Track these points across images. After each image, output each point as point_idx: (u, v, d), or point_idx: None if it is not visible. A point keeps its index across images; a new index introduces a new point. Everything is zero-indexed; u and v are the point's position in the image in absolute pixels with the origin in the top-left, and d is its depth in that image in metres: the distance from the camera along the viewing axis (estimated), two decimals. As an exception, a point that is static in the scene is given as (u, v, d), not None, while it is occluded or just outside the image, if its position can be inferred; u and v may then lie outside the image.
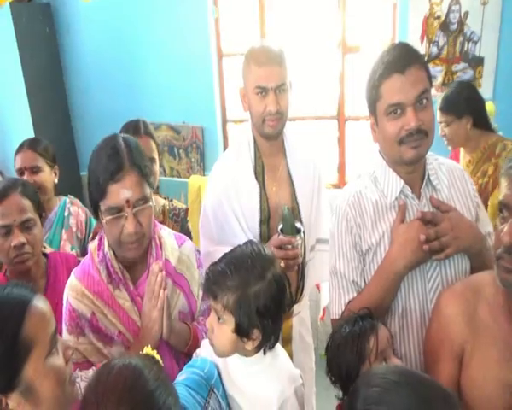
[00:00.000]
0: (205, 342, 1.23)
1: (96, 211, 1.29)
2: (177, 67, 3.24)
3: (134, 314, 1.31)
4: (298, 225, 1.53)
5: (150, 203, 1.27)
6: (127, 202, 1.22)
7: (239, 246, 1.18)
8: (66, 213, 2.22)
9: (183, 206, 2.10)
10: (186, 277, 1.42)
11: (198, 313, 1.44)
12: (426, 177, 1.32)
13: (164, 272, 1.25)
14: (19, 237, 1.54)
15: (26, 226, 1.57)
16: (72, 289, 1.33)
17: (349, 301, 1.32)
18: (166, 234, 1.44)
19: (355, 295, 1.33)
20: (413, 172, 1.29)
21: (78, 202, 2.31)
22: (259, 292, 1.08)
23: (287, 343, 1.73)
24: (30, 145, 2.15)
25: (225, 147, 3.29)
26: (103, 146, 1.29)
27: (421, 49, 2.65)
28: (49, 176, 2.14)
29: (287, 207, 1.53)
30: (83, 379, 1.21)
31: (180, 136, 3.27)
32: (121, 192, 1.22)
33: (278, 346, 1.20)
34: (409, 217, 1.28)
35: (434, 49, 2.61)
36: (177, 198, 3.02)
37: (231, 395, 1.15)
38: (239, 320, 1.08)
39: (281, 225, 1.53)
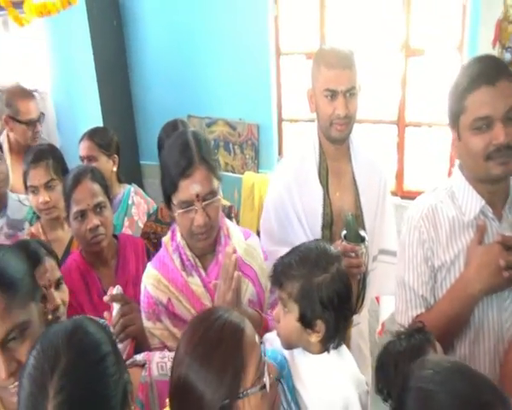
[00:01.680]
0: (268, 337, 1.24)
1: (168, 203, 1.34)
2: (236, 63, 3.20)
3: (207, 300, 1.35)
4: (362, 233, 1.46)
5: (218, 197, 1.31)
6: (197, 196, 1.26)
7: (305, 243, 1.22)
8: (129, 202, 2.28)
9: (227, 203, 2.09)
10: (254, 267, 1.45)
11: (267, 306, 1.45)
12: (510, 198, 1.22)
13: (237, 254, 1.27)
14: (93, 220, 1.60)
15: (98, 209, 1.63)
16: (149, 277, 1.38)
17: (416, 316, 1.25)
18: (232, 226, 1.49)
19: (423, 310, 1.26)
20: (496, 191, 1.21)
21: (141, 191, 2.37)
22: (323, 283, 1.10)
23: (344, 354, 1.66)
24: (88, 136, 2.22)
25: (280, 145, 3.22)
26: (174, 142, 1.34)
27: (493, 54, 2.47)
28: (105, 164, 2.19)
29: (351, 214, 1.47)
30: (169, 359, 1.18)
31: (236, 132, 3.24)
32: (191, 187, 1.25)
33: (344, 348, 1.19)
34: (487, 239, 1.20)
35: (508, 56, 2.44)
36: (230, 194, 3.01)
37: (298, 390, 1.15)
38: (303, 309, 1.10)
39: (344, 232, 1.46)
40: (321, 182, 1.63)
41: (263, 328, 1.34)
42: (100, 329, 0.85)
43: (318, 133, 1.65)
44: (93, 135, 2.23)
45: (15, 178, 2.26)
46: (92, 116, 3.47)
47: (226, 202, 2.08)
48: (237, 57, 3.18)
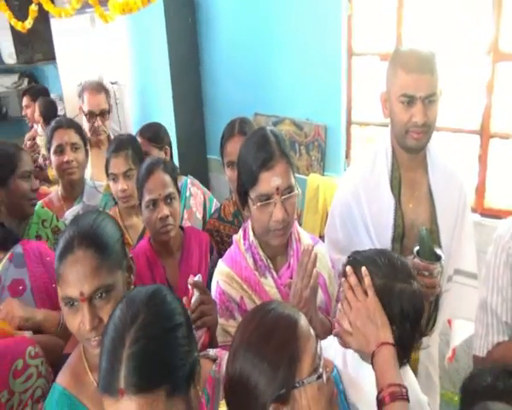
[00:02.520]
0: (323, 345, 1.15)
1: (243, 200, 1.33)
2: (306, 63, 3.12)
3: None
4: (438, 251, 1.34)
5: (296, 192, 1.31)
6: (277, 189, 1.25)
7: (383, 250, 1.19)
8: (187, 194, 2.28)
9: None
10: (323, 274, 1.42)
11: (332, 315, 1.40)
12: None
13: (316, 253, 1.24)
14: (164, 210, 1.64)
15: (168, 200, 1.68)
16: (222, 274, 1.38)
17: (497, 344, 1.15)
18: (302, 231, 1.48)
19: (506, 338, 1.15)
20: None
21: (197, 182, 2.38)
22: (405, 291, 1.06)
23: (411, 378, 1.55)
24: (139, 133, 2.31)
25: (348, 149, 3.10)
26: (253, 137, 1.34)
27: None
28: (157, 156, 2.22)
29: (425, 229, 1.35)
30: None
31: (302, 132, 3.16)
32: (272, 180, 1.25)
33: (408, 369, 1.13)
34: None
35: None
36: (299, 192, 2.93)
37: (353, 404, 1.10)
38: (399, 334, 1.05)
39: (417, 248, 1.35)
40: (392, 192, 1.52)
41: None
42: (178, 302, 0.90)
43: (392, 140, 1.54)
44: (143, 131, 2.32)
45: (91, 166, 2.38)
46: (165, 109, 3.57)
47: None
48: (307, 56, 3.10)
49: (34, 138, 3.52)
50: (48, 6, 3.41)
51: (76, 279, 1.02)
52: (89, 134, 2.61)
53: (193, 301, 1.28)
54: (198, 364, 0.88)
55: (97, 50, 4.01)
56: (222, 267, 1.41)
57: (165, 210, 1.66)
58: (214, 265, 1.69)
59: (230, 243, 1.93)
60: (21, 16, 3.72)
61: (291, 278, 1.31)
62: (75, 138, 2.14)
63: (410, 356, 1.13)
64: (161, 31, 3.47)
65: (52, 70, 4.97)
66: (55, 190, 2.27)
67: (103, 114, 2.64)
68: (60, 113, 4.52)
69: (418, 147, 1.47)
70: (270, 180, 1.25)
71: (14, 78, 5.32)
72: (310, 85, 3.12)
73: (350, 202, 1.57)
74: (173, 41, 3.49)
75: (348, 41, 3.01)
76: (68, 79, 4.41)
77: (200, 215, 2.26)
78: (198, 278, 1.35)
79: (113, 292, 1.05)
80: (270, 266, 1.36)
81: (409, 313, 1.06)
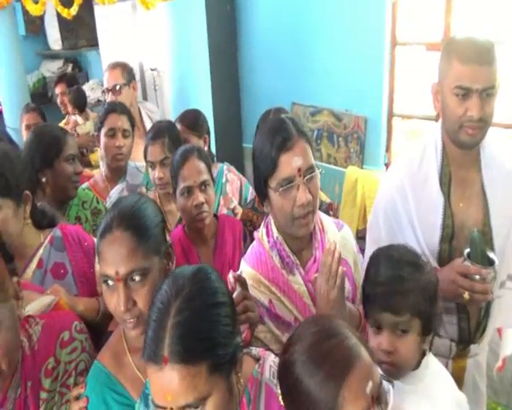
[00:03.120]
0: None
1: (262, 194, 1.23)
2: (346, 51, 3.00)
3: (308, 299, 1.25)
4: (491, 255, 1.24)
5: (317, 172, 1.22)
6: (299, 170, 1.17)
7: (381, 248, 1.17)
8: (223, 180, 2.26)
9: (327, 199, 1.96)
10: (349, 262, 1.34)
11: (358, 303, 1.32)
12: None
13: (340, 250, 1.15)
14: (199, 197, 1.61)
15: (203, 187, 1.64)
16: (247, 277, 1.24)
17: None
18: (325, 217, 1.38)
19: None
20: None
21: (233, 168, 2.35)
22: (428, 279, 1.08)
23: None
24: (179, 120, 2.26)
25: (389, 142, 2.97)
26: (267, 123, 1.27)
27: None
28: (196, 143, 2.19)
29: (477, 231, 1.25)
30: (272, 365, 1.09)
31: (341, 123, 3.05)
32: (293, 160, 1.17)
33: (439, 365, 1.10)
34: None
35: None
36: (331, 187, 2.85)
37: None
38: (424, 319, 1.05)
39: (468, 250, 1.25)
40: (442, 189, 1.41)
41: (362, 327, 1.23)
42: (222, 282, 0.90)
43: (442, 135, 1.43)
44: (182, 118, 2.28)
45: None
46: (203, 96, 3.55)
47: (325, 198, 1.95)
48: (348, 45, 2.98)
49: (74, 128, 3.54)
50: None
51: (113, 259, 1.02)
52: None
53: (235, 296, 1.21)
54: (241, 350, 0.87)
55: (138, 37, 4.02)
56: (246, 269, 1.29)
57: (200, 197, 1.62)
58: None
59: None
60: (67, 3, 3.78)
61: (317, 271, 1.22)
62: (127, 125, 2.15)
63: (432, 330, 1.11)
64: (201, 18, 3.44)
65: (94, 56, 5.01)
66: (100, 172, 2.30)
67: (114, 88, 2.64)
68: (100, 98, 4.58)
69: (472, 143, 1.35)
70: (290, 161, 1.17)
71: (59, 63, 5.41)
72: (350, 75, 3.01)
73: (395, 198, 1.46)
74: (212, 28, 3.45)
75: (392, 29, 2.87)
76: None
77: (236, 201, 2.23)
78: (236, 274, 1.27)
79: (148, 276, 1.04)
80: (297, 262, 1.27)
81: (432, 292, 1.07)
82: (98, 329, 1.38)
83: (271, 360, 1.06)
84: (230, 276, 1.18)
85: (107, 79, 2.67)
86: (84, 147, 3.14)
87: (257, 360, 1.05)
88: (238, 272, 1.25)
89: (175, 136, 2.05)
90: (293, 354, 0.84)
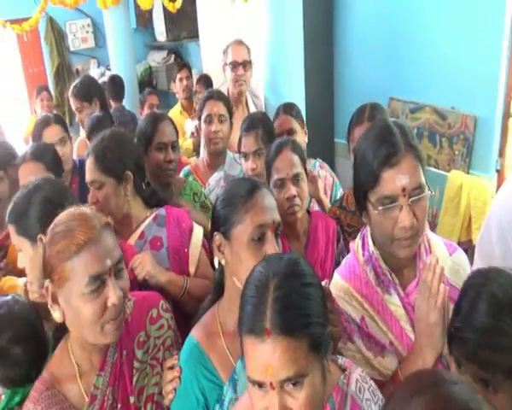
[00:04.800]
0: None
1: (361, 204, 1.09)
2: (455, 42, 2.59)
3: (407, 324, 1.09)
4: None
5: (427, 193, 1.04)
6: (403, 190, 1.00)
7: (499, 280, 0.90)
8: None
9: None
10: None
11: None
12: None
13: (442, 266, 1.02)
14: (291, 190, 1.55)
15: (296, 180, 1.58)
16: (339, 290, 1.15)
17: None
18: (434, 237, 1.19)
19: None
20: None
21: (326, 165, 2.23)
22: None
23: None
24: (284, 109, 2.16)
25: (503, 145, 2.52)
26: (373, 130, 1.11)
27: None
28: (302, 137, 2.12)
29: None
30: (369, 386, 0.99)
31: (445, 122, 2.65)
32: (397, 179, 1.00)
33: None
34: None
35: None
36: (431, 192, 2.49)
37: None
38: None
39: None
40: None
41: None
42: (312, 268, 0.90)
43: None
44: (288, 109, 2.17)
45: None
46: (295, 88, 3.34)
47: None
48: (458, 34, 2.56)
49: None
50: None
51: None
52: (232, 86, 2.59)
53: None
54: (330, 340, 0.86)
55: (235, 29, 3.92)
56: (339, 281, 1.17)
57: (293, 190, 1.55)
58: (340, 254, 1.58)
59: (350, 234, 1.71)
60: None
61: None
62: (223, 110, 2.12)
63: None
64: (298, 6, 3.20)
65: (195, 47, 5.02)
66: (202, 157, 2.30)
67: (245, 64, 2.57)
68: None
69: None
70: (394, 179, 1.00)
71: (163, 54, 5.51)
72: (458, 69, 2.59)
73: None
74: (308, 17, 3.21)
75: (514, 17, 2.39)
76: (208, 56, 4.41)
77: (327, 197, 2.10)
78: (324, 284, 1.12)
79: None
80: (396, 281, 1.11)
81: None
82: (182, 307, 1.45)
83: (358, 374, 0.98)
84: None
85: (236, 52, 2.59)
86: None
87: (343, 370, 0.98)
88: (323, 283, 1.09)
89: (269, 127, 1.98)
90: None
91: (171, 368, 1.10)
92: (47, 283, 1.02)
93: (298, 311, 0.80)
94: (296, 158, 1.58)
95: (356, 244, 1.19)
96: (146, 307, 1.19)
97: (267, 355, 0.78)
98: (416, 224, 1.01)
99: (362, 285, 1.13)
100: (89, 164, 1.53)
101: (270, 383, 0.80)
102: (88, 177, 1.53)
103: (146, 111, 3.75)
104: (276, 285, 0.81)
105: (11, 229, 1.30)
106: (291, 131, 2.06)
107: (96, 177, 1.51)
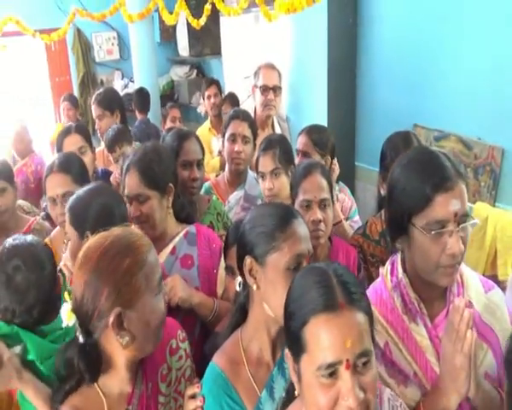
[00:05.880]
0: None
1: (398, 229, 1.05)
2: (482, 69, 2.46)
3: (432, 356, 1.05)
4: None
5: (475, 221, 1.02)
6: (455, 215, 0.98)
7: None
8: (334, 200, 2.00)
9: None
10: (495, 330, 1.10)
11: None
12: None
13: (471, 310, 0.96)
14: (317, 213, 1.50)
15: (322, 205, 1.53)
16: None
17: None
18: (470, 272, 1.15)
19: None
20: None
21: (346, 190, 2.17)
22: None
23: None
24: (307, 131, 2.09)
25: (532, 179, 2.37)
26: (419, 155, 1.09)
27: None
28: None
29: None
30: (390, 398, 0.97)
31: (471, 153, 2.51)
32: (451, 203, 0.98)
33: None
34: None
35: None
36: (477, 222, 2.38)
37: None
38: None
39: None
40: None
41: None
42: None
43: None
44: (311, 132, 2.08)
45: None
46: (318, 110, 3.24)
47: None
48: (485, 62, 2.42)
49: None
50: (220, 5, 3.39)
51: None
52: (260, 109, 2.54)
53: None
54: None
55: (259, 48, 3.85)
56: None
57: (319, 214, 1.50)
58: (361, 284, 1.44)
59: (373, 264, 1.63)
60: (197, 14, 3.80)
61: None
62: (247, 132, 2.08)
63: None
64: (323, 30, 3.12)
65: (217, 64, 4.98)
66: (222, 174, 2.26)
67: (275, 89, 2.53)
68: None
69: None
70: (448, 204, 0.98)
71: (186, 69, 5.47)
72: (485, 97, 2.45)
73: None
74: (333, 41, 3.13)
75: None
76: (230, 72, 4.36)
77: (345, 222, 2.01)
78: None
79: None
80: (424, 311, 1.06)
81: None
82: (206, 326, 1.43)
83: (389, 393, 0.96)
84: None
85: (268, 77, 2.54)
86: None
87: None
88: None
89: (287, 149, 1.92)
90: None
91: (193, 397, 1.04)
92: (116, 312, 0.95)
93: (359, 289, 0.84)
94: (325, 182, 1.54)
95: (385, 269, 1.15)
96: (166, 339, 1.14)
97: (345, 328, 0.78)
98: (463, 251, 0.99)
99: (388, 311, 1.09)
100: (132, 178, 1.49)
101: (347, 361, 0.77)
102: (132, 191, 1.49)
103: (168, 124, 3.70)
104: (334, 269, 0.84)
105: (74, 234, 1.36)
106: (306, 154, 2.00)
107: (142, 190, 1.47)
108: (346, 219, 2.00)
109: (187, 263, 1.51)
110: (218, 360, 1.05)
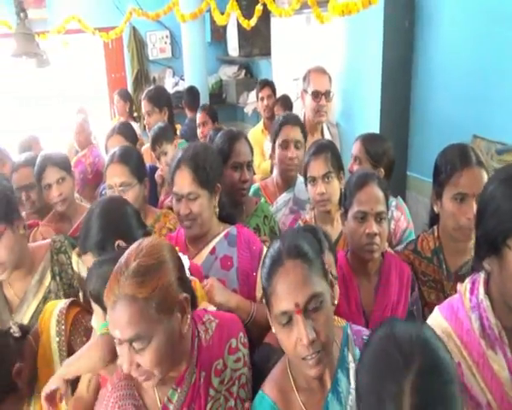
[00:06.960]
0: None
1: (490, 246, 0.94)
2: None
3: (511, 390, 0.94)
4: None
5: None
6: None
7: None
8: (388, 216, 1.86)
9: None
10: None
11: None
12: None
13: None
14: (373, 227, 1.40)
15: (378, 218, 1.42)
16: (437, 327, 0.98)
17: None
18: None
19: None
20: None
21: (404, 208, 1.95)
22: None
23: None
24: (362, 139, 1.98)
25: None
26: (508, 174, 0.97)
27: None
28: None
29: None
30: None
31: (538, 170, 2.22)
32: None
33: None
34: None
35: None
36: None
37: None
38: None
39: None
40: None
41: None
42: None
43: None
44: (366, 141, 1.94)
45: None
46: (370, 116, 3.05)
47: None
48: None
49: None
50: (271, 6, 3.28)
51: (288, 290, 0.95)
52: (311, 115, 2.45)
53: None
54: None
55: (310, 50, 3.69)
56: (438, 318, 1.06)
57: (375, 228, 1.40)
58: (414, 303, 1.44)
59: (425, 283, 1.53)
60: (248, 15, 3.70)
61: None
62: (299, 136, 2.00)
63: None
64: (378, 33, 2.91)
65: (265, 64, 4.87)
66: (272, 177, 2.17)
67: (327, 94, 2.43)
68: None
69: None
70: None
71: (234, 68, 5.40)
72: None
73: None
74: (388, 45, 2.90)
75: None
76: (279, 73, 4.23)
77: (395, 242, 1.85)
78: None
79: (323, 303, 0.96)
80: (504, 339, 0.96)
81: None
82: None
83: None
84: None
85: (319, 82, 2.45)
86: None
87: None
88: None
89: (337, 154, 1.82)
90: None
91: None
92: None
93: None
94: (381, 195, 1.44)
95: (464, 287, 1.05)
96: (226, 336, 1.13)
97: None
98: None
99: (463, 331, 1.00)
100: (184, 176, 1.46)
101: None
102: (183, 189, 1.46)
103: (199, 129, 3.35)
104: (413, 387, 0.71)
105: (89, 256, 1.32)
106: (360, 161, 1.93)
107: (193, 189, 1.45)
108: (398, 243, 1.82)
109: (226, 264, 1.49)
110: (268, 391, 1.02)
